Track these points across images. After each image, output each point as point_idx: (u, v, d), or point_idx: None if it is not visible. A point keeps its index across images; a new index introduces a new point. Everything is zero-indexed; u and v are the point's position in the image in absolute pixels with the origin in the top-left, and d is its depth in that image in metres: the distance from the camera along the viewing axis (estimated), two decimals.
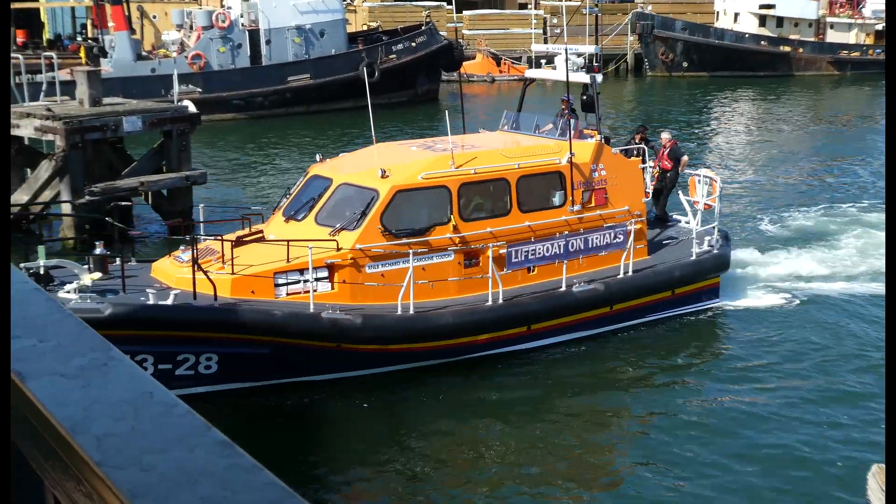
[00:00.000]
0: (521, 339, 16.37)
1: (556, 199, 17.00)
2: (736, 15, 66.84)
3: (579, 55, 19.91)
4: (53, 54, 31.01)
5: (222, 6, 48.60)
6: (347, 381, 15.35)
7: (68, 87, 26.22)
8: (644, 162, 19.29)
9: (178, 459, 1.73)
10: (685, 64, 65.32)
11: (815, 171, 34.44)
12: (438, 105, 52.28)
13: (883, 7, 73.73)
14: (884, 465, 10.39)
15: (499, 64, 63.04)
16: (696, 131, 44.92)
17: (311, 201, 15.84)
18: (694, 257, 18.41)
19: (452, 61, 53.86)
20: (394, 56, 49.67)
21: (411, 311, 15.08)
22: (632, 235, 17.49)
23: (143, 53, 45.55)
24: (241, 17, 46.26)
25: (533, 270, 16.69)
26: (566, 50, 19.01)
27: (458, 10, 68.22)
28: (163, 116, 24.37)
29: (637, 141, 20.30)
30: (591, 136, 18.31)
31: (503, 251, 16.18)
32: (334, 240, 14.95)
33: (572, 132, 17.52)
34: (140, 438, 1.80)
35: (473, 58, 61.90)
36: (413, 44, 50.73)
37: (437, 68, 52.99)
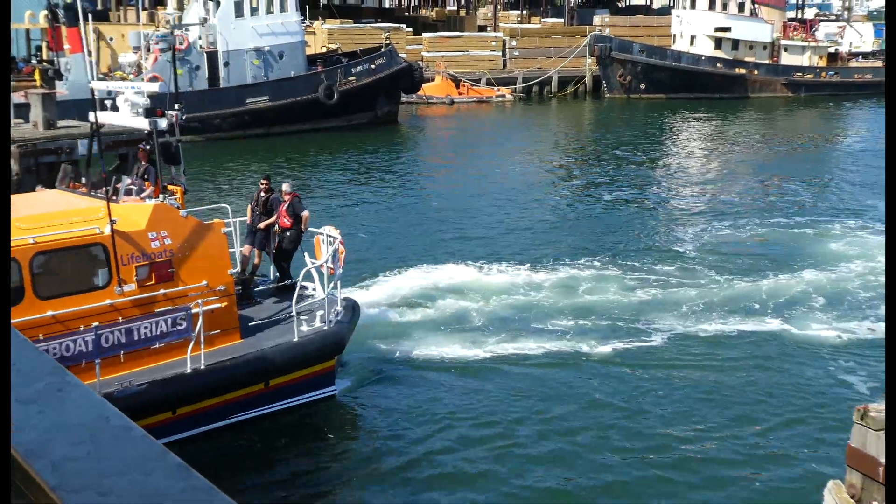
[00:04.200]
0: None
1: (99, 279, 13.72)
2: (692, 38, 67.71)
3: (142, 94, 16.09)
4: None
5: (180, 28, 48.40)
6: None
7: (22, 111, 25.95)
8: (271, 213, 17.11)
9: (135, 482, 1.73)
10: (643, 86, 65.99)
11: (762, 192, 34.92)
12: (398, 127, 52.39)
13: (835, 30, 75.21)
14: (839, 482, 10.52)
15: (458, 86, 63.29)
16: (652, 152, 45.38)
17: None
18: (295, 339, 15.20)
19: (412, 83, 54.04)
20: (353, 78, 49.71)
21: None
22: (200, 319, 13.86)
23: (100, 76, 45.18)
24: (200, 39, 46.10)
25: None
26: (131, 88, 16.18)
27: (418, 33, 68.60)
28: (118, 139, 24.17)
29: (263, 192, 17.46)
30: (174, 194, 15.47)
31: None
32: None
33: (123, 192, 14.52)
34: (97, 462, 1.80)
35: (433, 80, 62.10)
36: (373, 66, 50.80)
37: (397, 90, 53.09)
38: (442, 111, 59.97)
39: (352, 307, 16.72)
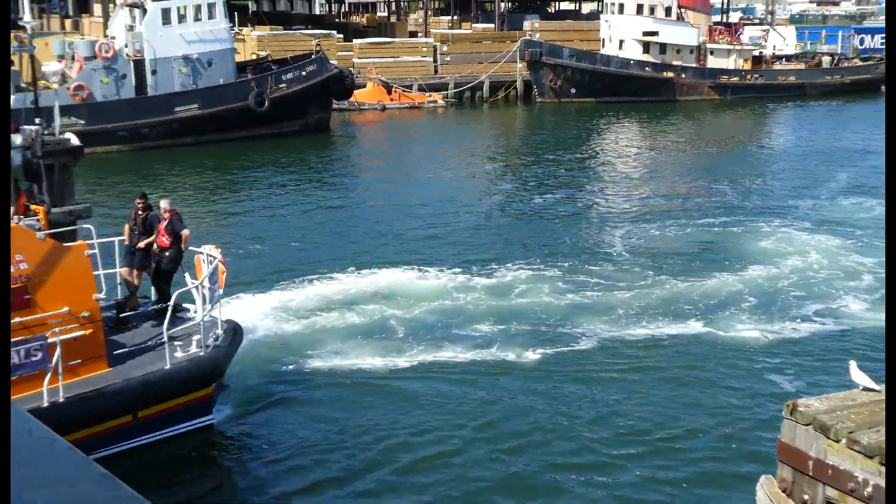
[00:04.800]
0: None
1: None
2: (621, 42, 68.50)
3: None
4: None
5: (106, 36, 47.65)
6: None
7: None
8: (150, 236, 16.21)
9: (59, 494, 1.69)
10: (573, 90, 66.57)
11: (691, 193, 35.44)
12: (330, 134, 52.15)
13: (759, 34, 76.70)
14: (771, 476, 10.69)
15: (390, 92, 63.21)
16: (583, 156, 45.81)
17: None
18: (168, 366, 14.19)
19: (343, 90, 53.84)
20: (284, 85, 49.35)
21: None
22: (58, 348, 12.81)
23: (23, 85, 44.22)
24: (126, 47, 45.37)
25: None
26: None
27: (349, 39, 68.38)
28: (44, 150, 23.64)
29: (140, 211, 16.35)
30: (36, 214, 14.63)
31: None
32: None
33: None
34: (20, 474, 1.75)
35: (364, 86, 61.95)
36: (303, 73, 50.50)
37: (329, 97, 52.84)
38: (374, 117, 59.85)
39: (233, 330, 15.71)
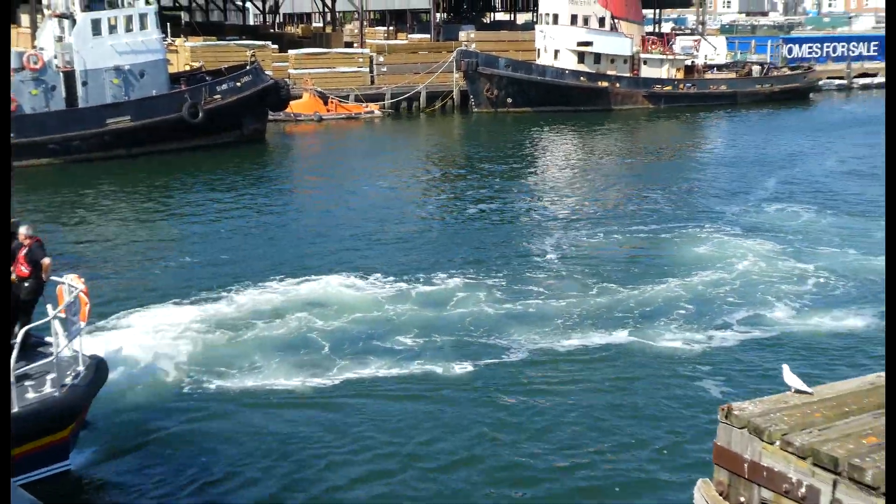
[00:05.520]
0: None
1: None
2: (556, 52, 69.04)
3: None
4: None
5: (34, 47, 46.70)
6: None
7: None
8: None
9: None
10: (509, 100, 66.87)
11: (626, 201, 35.74)
12: (266, 146, 51.71)
13: (691, 44, 77.89)
14: (708, 480, 10.74)
15: (326, 103, 62.92)
16: (520, 165, 46.01)
17: None
18: (16, 409, 12.71)
19: (279, 101, 53.44)
20: (218, 96, 48.82)
21: None
22: None
23: None
24: (55, 58, 44.53)
25: None
26: None
27: (284, 50, 67.93)
28: None
29: None
30: None
31: None
32: None
33: None
34: None
35: (300, 97, 61.57)
36: (238, 84, 50.02)
37: (264, 108, 52.39)
38: (310, 128, 59.51)
39: (95, 366, 14.10)
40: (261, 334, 19.81)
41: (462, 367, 18.15)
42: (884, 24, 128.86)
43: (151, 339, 18.89)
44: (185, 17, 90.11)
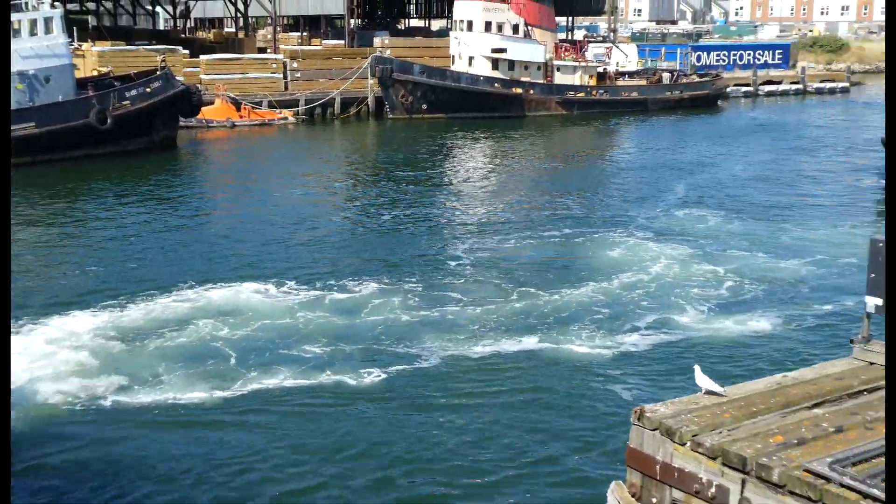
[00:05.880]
0: None
1: None
2: (470, 58, 69.33)
3: None
4: None
5: None
6: None
7: None
8: None
9: None
10: (424, 106, 66.94)
11: (541, 207, 36.03)
12: (177, 152, 50.79)
13: (603, 51, 79.02)
14: (621, 482, 10.80)
15: (239, 109, 62.10)
16: (434, 171, 46.03)
17: None
18: None
19: (190, 107, 52.57)
20: (128, 102, 47.79)
21: None
22: None
23: None
24: None
25: None
26: None
27: (195, 55, 66.88)
28: None
29: None
30: None
31: None
32: None
33: None
34: None
35: (212, 103, 60.67)
36: (148, 89, 49.05)
37: (175, 114, 51.48)
38: (223, 135, 58.67)
39: None
40: (166, 344, 19.28)
41: (374, 376, 17.91)
42: (787, 34, 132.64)
43: (49, 350, 18.28)
44: (92, 21, 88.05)
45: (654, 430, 10.21)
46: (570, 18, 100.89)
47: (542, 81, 70.52)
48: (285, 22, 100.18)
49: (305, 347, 19.42)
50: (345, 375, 17.93)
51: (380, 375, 17.99)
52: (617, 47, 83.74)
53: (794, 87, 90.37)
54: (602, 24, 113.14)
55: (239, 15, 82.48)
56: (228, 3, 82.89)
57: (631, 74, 79.94)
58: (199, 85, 58.14)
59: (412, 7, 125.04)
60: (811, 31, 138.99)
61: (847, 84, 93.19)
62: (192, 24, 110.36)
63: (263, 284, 23.72)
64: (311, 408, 16.58)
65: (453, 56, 70.58)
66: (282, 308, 21.89)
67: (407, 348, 19.52)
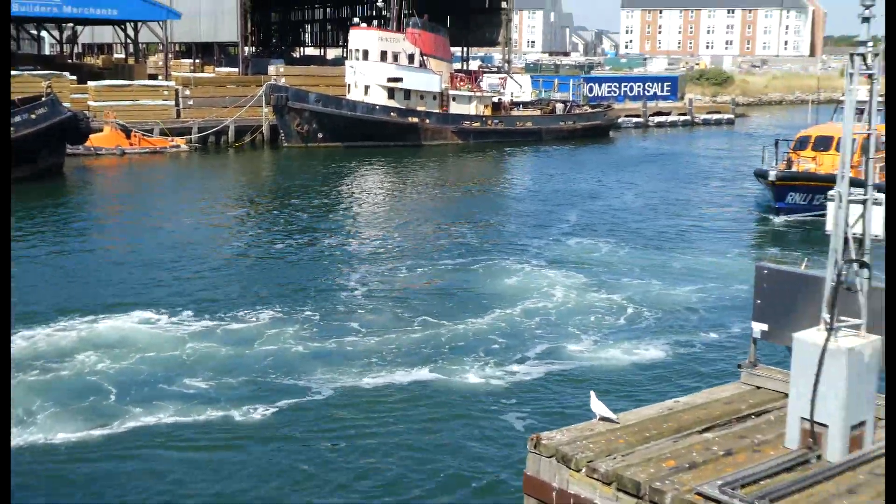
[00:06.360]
0: None
1: None
2: (366, 87, 69.38)
3: None
4: None
5: None
6: None
7: None
8: None
9: None
10: (320, 135, 66.63)
11: (436, 236, 36.11)
12: (64, 180, 49.34)
13: (497, 81, 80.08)
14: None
15: (129, 136, 60.78)
16: (329, 200, 45.75)
17: None
18: None
19: (78, 134, 51.23)
20: (11, 129, 46.25)
21: None
22: None
23: None
24: None
25: None
26: None
27: (83, 81, 65.28)
28: None
29: None
30: None
31: None
32: None
33: None
34: None
35: (101, 130, 59.21)
36: (33, 116, 47.61)
37: (62, 141, 50.08)
38: (112, 163, 57.27)
39: None
40: (43, 379, 18.42)
41: (263, 411, 17.39)
42: (675, 67, 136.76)
43: None
44: None
45: (550, 457, 10.23)
46: (465, 49, 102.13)
47: (437, 111, 70.99)
48: (177, 48, 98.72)
49: (192, 381, 18.82)
50: (232, 410, 17.36)
51: (269, 410, 17.47)
52: (511, 78, 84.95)
53: (682, 118, 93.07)
54: (497, 54, 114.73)
55: (129, 41, 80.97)
56: (118, 28, 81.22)
57: (525, 105, 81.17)
58: (86, 112, 56.76)
59: (307, 36, 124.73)
60: (697, 63, 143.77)
61: (732, 116, 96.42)
62: (80, 50, 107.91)
63: (152, 314, 23.06)
64: (195, 445, 15.94)
65: (349, 85, 70.56)
66: (170, 339, 21.28)
67: (298, 381, 19.06)
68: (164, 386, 18.41)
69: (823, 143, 39.10)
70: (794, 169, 38.62)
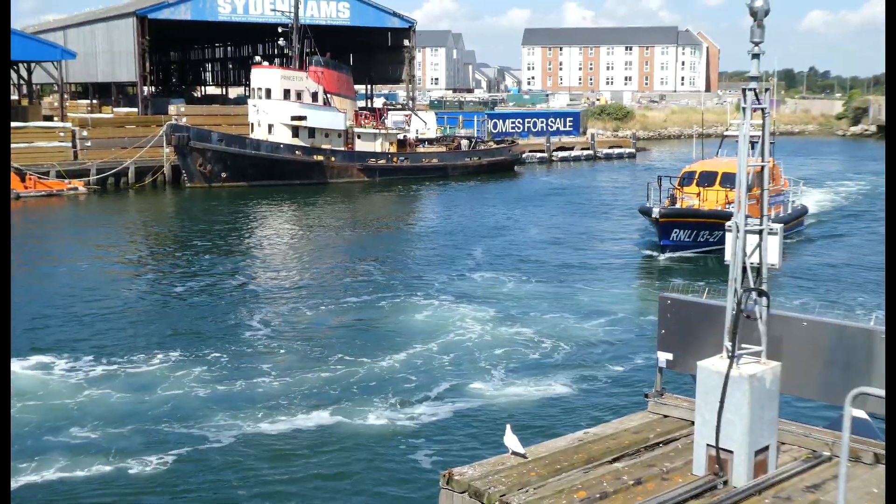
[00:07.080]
0: None
1: None
2: (270, 126, 68.90)
3: None
4: None
5: None
6: None
7: None
8: None
9: None
10: (224, 174, 65.87)
11: (343, 274, 35.89)
12: None
13: (402, 118, 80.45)
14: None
15: (24, 179, 59.16)
16: (233, 240, 45.13)
17: None
18: None
19: None
20: None
21: None
22: None
23: None
24: None
25: None
26: None
27: None
28: None
29: None
30: None
31: None
32: None
33: None
34: None
35: None
36: None
37: None
38: None
39: None
40: None
41: (160, 461, 16.75)
42: (576, 102, 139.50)
43: None
44: None
45: (462, 492, 10.16)
46: (370, 86, 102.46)
47: (343, 149, 70.88)
48: (73, 89, 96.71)
49: (87, 430, 18.11)
50: (127, 461, 16.68)
51: (165, 460, 16.84)
52: (416, 115, 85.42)
53: (585, 152, 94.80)
54: (401, 92, 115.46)
55: (22, 82, 78.97)
56: (10, 69, 79.24)
57: (431, 141, 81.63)
58: None
59: (209, 74, 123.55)
60: (598, 99, 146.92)
61: (633, 150, 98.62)
62: None
63: (47, 360, 22.29)
64: (84, 500, 15.25)
65: (252, 124, 70.00)
66: (64, 386, 20.54)
67: (198, 428, 18.47)
68: (55, 437, 17.63)
69: (708, 179, 39.37)
70: (677, 205, 38.50)
